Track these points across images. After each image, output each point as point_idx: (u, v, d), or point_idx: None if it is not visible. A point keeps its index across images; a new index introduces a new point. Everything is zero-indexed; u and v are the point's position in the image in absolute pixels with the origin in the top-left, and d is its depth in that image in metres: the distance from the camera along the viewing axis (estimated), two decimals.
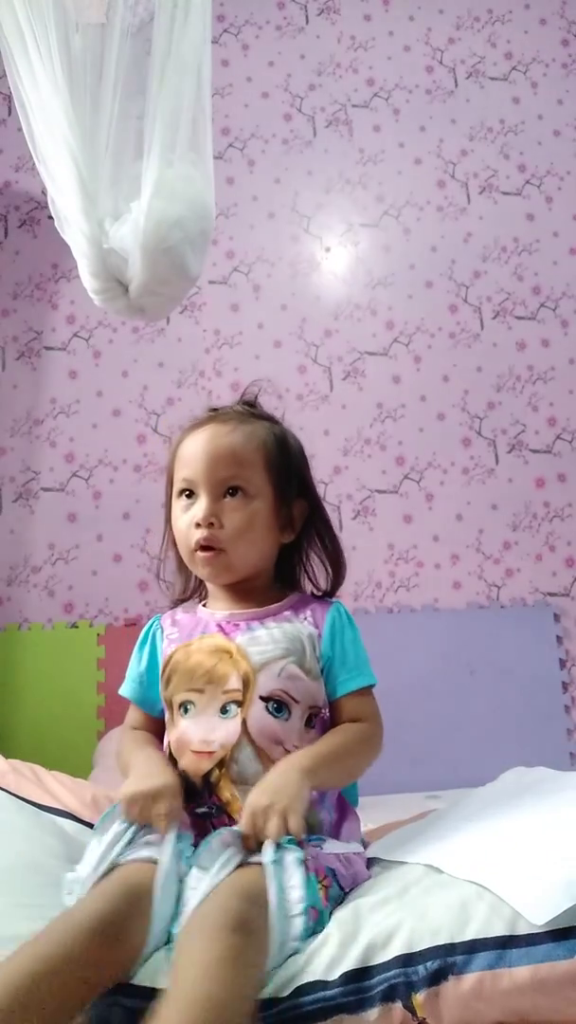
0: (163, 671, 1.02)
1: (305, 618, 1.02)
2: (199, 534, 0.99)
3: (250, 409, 1.10)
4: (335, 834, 0.97)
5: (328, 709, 1.00)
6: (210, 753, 0.93)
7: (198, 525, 1.00)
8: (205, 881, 0.77)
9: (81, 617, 2.53)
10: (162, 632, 1.07)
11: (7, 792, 1.17)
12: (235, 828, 0.83)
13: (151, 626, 1.10)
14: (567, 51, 3.05)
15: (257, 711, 0.93)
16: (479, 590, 2.64)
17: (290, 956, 0.75)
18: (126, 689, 1.09)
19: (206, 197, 1.58)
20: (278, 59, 2.96)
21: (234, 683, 0.95)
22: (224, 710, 0.94)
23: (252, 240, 2.83)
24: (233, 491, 1.00)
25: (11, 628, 2.50)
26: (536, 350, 2.82)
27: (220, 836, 0.81)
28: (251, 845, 0.80)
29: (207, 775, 0.93)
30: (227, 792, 0.92)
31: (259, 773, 0.90)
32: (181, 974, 0.68)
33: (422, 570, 2.64)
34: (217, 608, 1.05)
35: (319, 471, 2.60)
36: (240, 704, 0.94)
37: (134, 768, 0.96)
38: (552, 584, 2.67)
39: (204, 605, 1.08)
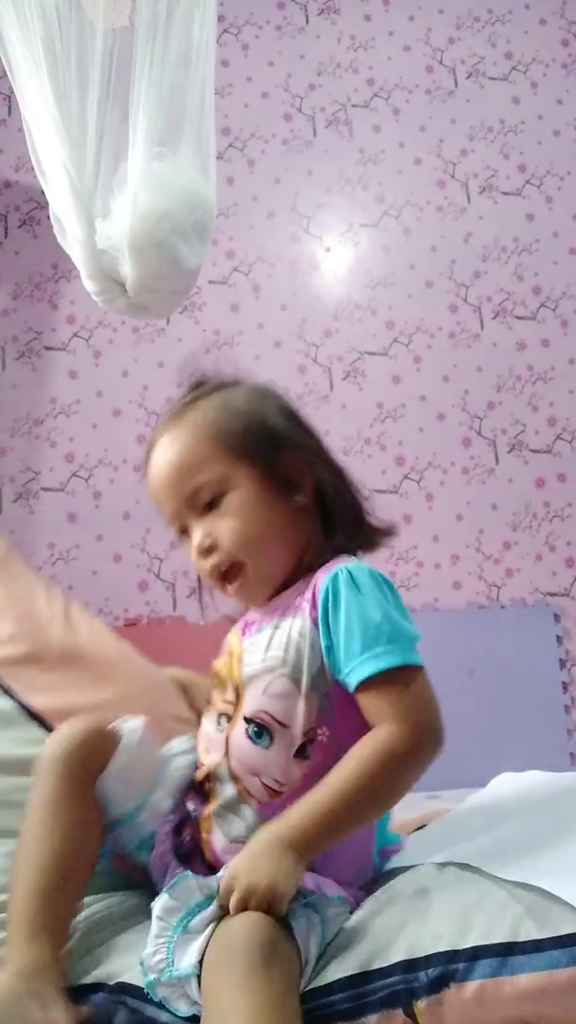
0: None
1: (304, 602, 0.84)
2: (207, 564, 0.87)
3: (185, 398, 0.98)
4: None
5: (329, 727, 0.83)
6: (205, 765, 0.87)
7: (201, 556, 0.88)
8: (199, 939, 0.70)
9: None
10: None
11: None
12: (202, 879, 0.73)
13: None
14: (567, 51, 3.05)
15: (238, 733, 0.83)
16: (479, 590, 2.64)
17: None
18: None
19: (200, 188, 1.55)
20: (278, 59, 2.95)
21: (230, 693, 0.86)
22: (219, 721, 0.87)
23: (252, 240, 2.82)
24: (207, 504, 0.87)
25: None
26: (536, 350, 2.82)
27: (186, 882, 0.72)
28: (225, 910, 0.70)
29: (201, 783, 0.86)
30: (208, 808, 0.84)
31: (235, 801, 0.82)
32: (215, 1005, 0.65)
33: (422, 570, 2.64)
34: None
35: None
36: (229, 719, 0.85)
37: None
38: (552, 584, 2.67)
39: None
